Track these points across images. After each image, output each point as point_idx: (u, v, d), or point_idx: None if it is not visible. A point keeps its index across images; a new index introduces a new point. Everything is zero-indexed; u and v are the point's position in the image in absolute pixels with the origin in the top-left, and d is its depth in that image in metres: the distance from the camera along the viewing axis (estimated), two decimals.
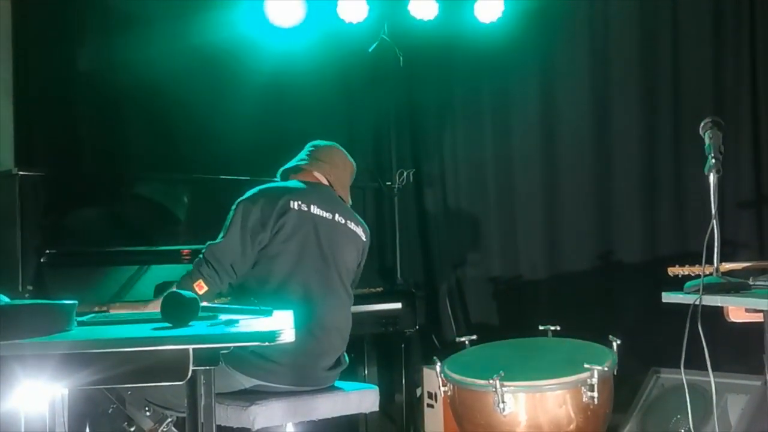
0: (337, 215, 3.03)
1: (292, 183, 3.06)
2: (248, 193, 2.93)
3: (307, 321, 2.81)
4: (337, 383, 3.04)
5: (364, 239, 3.15)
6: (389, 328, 4.07)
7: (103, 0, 4.19)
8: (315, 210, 2.97)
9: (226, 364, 2.75)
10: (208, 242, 2.87)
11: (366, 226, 3.18)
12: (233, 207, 2.89)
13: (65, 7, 4.10)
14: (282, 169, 3.18)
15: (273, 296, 2.78)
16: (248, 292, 2.85)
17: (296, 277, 2.89)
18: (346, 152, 3.20)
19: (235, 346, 1.90)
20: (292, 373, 2.85)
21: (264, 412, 2.74)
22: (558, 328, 3.49)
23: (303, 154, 3.16)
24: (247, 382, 2.83)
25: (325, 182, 3.12)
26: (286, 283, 2.87)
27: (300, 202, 2.93)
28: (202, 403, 1.89)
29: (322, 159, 3.12)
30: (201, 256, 2.83)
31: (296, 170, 3.13)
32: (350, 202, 3.17)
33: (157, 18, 4.26)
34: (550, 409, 3.08)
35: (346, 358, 3.07)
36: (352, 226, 3.08)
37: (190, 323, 1.93)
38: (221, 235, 2.85)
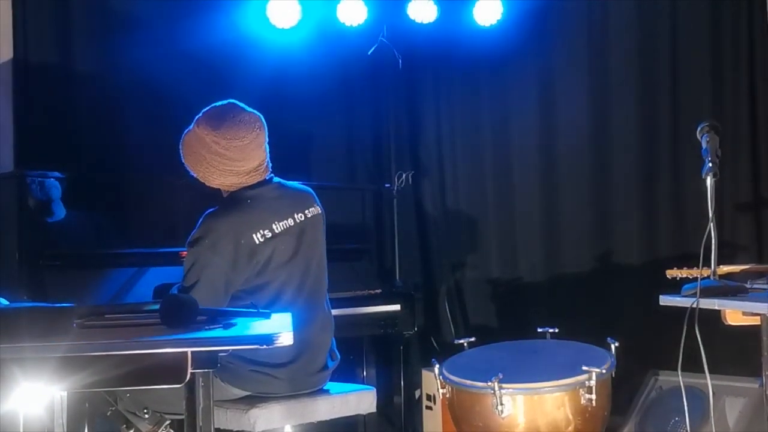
0: (295, 214, 2.84)
1: (241, 204, 2.78)
2: (202, 237, 2.66)
3: (298, 334, 2.78)
4: (336, 385, 3.05)
5: (321, 210, 2.96)
6: (388, 330, 4.08)
7: (102, 1, 4.20)
8: (278, 227, 2.77)
9: (221, 379, 2.75)
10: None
11: (310, 190, 2.98)
12: (193, 253, 2.66)
13: (66, 7, 4.11)
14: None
15: None
16: None
17: (282, 299, 2.81)
18: (241, 111, 2.81)
19: (233, 350, 1.90)
20: (287, 382, 2.84)
21: (264, 415, 2.75)
22: (556, 330, 3.49)
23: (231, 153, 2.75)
24: (242, 393, 2.84)
25: (262, 175, 2.84)
26: (272, 305, 2.76)
27: (261, 231, 2.72)
28: (201, 406, 1.90)
29: (241, 156, 2.76)
30: None
31: (233, 183, 2.81)
32: (268, 160, 2.86)
33: (156, 19, 4.27)
34: (548, 412, 3.08)
35: (338, 353, 3.05)
36: (309, 212, 2.90)
37: (188, 326, 1.94)
38: (187, 284, 2.65)
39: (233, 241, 2.68)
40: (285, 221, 2.81)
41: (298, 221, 2.85)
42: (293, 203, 2.89)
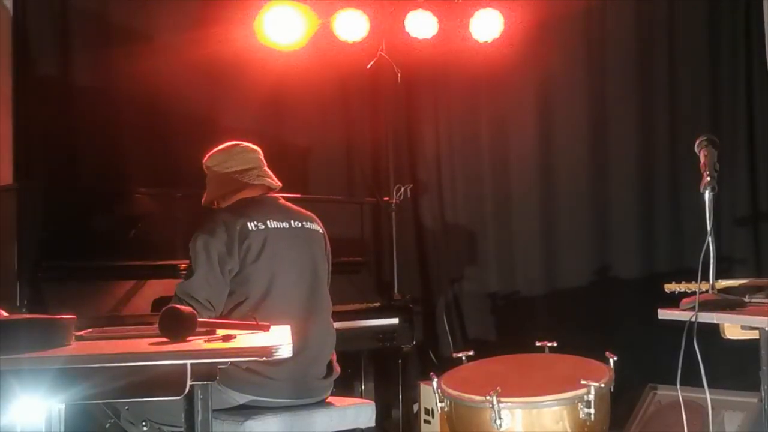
0: (291, 221, 3.03)
1: (238, 205, 3.02)
2: (200, 229, 2.89)
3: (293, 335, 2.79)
4: (334, 398, 3.04)
5: (322, 231, 3.14)
6: (386, 344, 4.07)
7: (102, 15, 4.21)
8: (272, 224, 2.96)
9: (219, 382, 2.74)
10: (179, 282, 2.87)
11: (314, 216, 3.15)
12: (193, 243, 2.86)
13: (65, 21, 4.12)
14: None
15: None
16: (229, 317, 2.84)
17: (273, 293, 2.87)
18: (242, 145, 3.11)
19: (232, 362, 1.90)
20: (286, 386, 2.85)
21: (260, 427, 2.74)
22: (555, 344, 3.49)
23: (230, 167, 3.06)
24: (241, 398, 2.83)
25: (263, 189, 3.08)
26: (263, 301, 2.85)
27: (256, 222, 2.92)
28: (199, 418, 1.89)
29: (247, 172, 3.05)
30: (175, 295, 2.81)
31: (235, 190, 3.06)
32: (278, 182, 3.11)
33: (155, 35, 4.28)
34: (546, 426, 3.07)
35: (338, 367, 3.06)
36: (308, 225, 3.07)
37: (187, 338, 1.94)
38: (189, 273, 2.84)
39: (227, 227, 2.88)
40: (279, 222, 2.99)
41: (294, 227, 3.02)
42: (291, 213, 3.06)
